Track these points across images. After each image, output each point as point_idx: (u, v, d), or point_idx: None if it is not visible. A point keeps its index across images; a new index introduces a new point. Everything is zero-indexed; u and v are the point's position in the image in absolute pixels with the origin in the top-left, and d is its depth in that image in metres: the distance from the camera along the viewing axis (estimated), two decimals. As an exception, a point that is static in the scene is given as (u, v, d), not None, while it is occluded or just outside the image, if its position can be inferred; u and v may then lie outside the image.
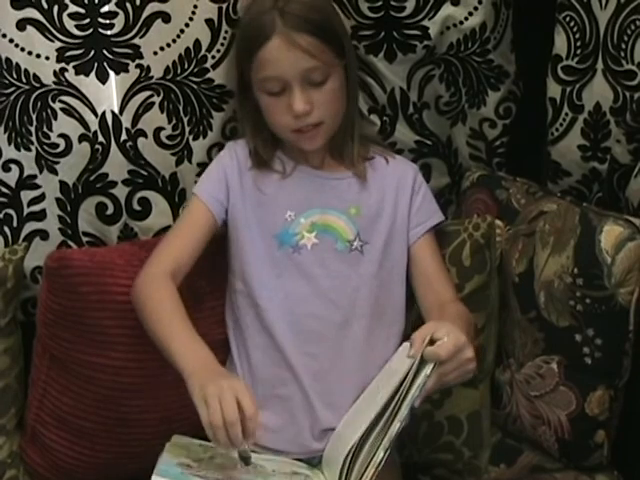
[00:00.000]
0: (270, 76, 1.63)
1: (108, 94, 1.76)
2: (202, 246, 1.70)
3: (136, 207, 1.84)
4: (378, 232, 1.73)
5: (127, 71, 1.75)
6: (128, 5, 1.71)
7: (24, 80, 1.73)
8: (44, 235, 1.83)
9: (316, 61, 1.62)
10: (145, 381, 1.71)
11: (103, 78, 1.75)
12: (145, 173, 1.82)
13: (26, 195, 1.81)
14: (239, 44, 1.71)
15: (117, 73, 1.75)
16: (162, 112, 1.80)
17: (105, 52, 1.73)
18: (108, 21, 1.72)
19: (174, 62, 1.77)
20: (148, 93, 1.78)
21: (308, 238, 1.71)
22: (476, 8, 1.87)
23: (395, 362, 1.60)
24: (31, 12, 1.70)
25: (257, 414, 1.42)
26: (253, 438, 1.43)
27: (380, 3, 1.86)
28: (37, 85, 1.74)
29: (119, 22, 1.72)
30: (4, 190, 1.81)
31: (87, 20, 1.71)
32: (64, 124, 1.76)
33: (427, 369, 1.44)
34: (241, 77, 1.71)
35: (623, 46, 1.76)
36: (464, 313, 1.67)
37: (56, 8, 1.70)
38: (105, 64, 1.74)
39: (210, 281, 1.76)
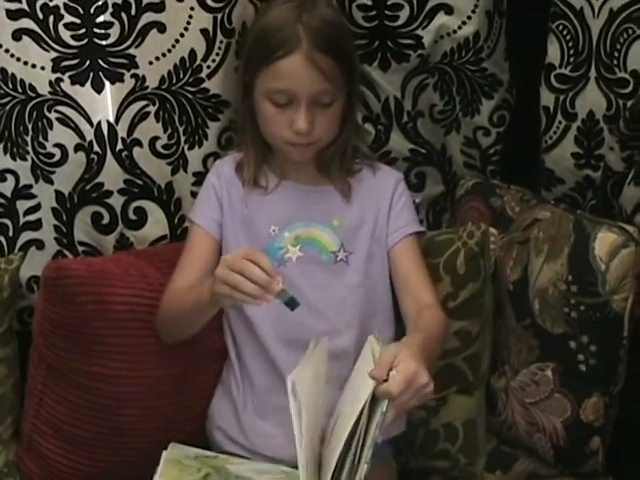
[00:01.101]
0: (282, 89, 1.63)
1: (103, 104, 1.76)
2: (212, 270, 1.71)
3: (132, 216, 1.84)
4: (361, 241, 1.74)
5: (122, 81, 1.75)
6: (123, 15, 1.72)
7: (20, 90, 1.73)
8: (40, 245, 1.83)
9: (330, 84, 1.63)
10: (141, 390, 1.71)
11: (98, 88, 1.75)
12: (141, 182, 1.82)
13: (22, 205, 1.81)
14: (252, 48, 1.69)
15: (112, 83, 1.75)
16: (158, 122, 1.80)
17: (100, 62, 1.73)
18: (103, 31, 1.72)
19: (169, 72, 1.77)
20: (143, 103, 1.78)
21: (293, 251, 1.72)
22: (470, 17, 1.88)
23: (359, 361, 1.60)
24: (27, 22, 1.70)
25: (265, 256, 1.46)
26: (277, 274, 1.44)
27: (374, 12, 1.87)
28: (33, 95, 1.74)
29: (114, 32, 1.72)
30: (0, 200, 1.81)
31: (82, 30, 1.71)
32: (60, 134, 1.77)
33: (382, 406, 1.39)
34: (243, 82, 1.72)
35: (616, 54, 1.77)
36: (438, 322, 1.66)
37: (51, 18, 1.70)
38: (100, 74, 1.74)
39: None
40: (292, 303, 1.46)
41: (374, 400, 1.40)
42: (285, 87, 1.62)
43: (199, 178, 1.83)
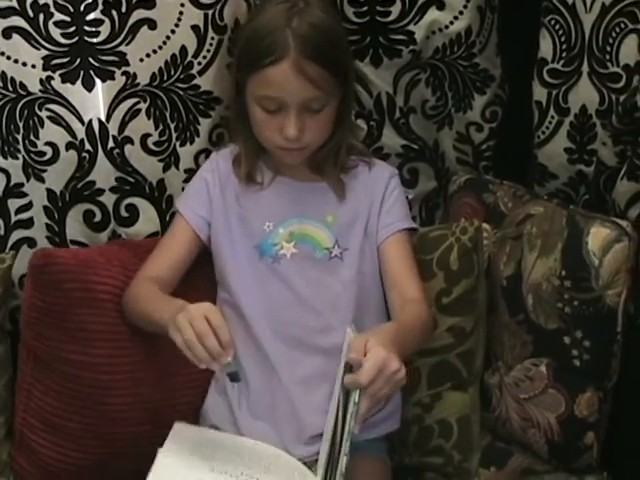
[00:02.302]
0: (270, 96, 1.62)
1: (94, 102, 1.76)
2: (186, 263, 1.75)
3: (124, 214, 1.84)
4: (354, 237, 1.74)
5: (113, 78, 1.75)
6: (114, 12, 1.71)
7: (10, 88, 1.73)
8: (32, 243, 1.83)
9: (319, 91, 1.62)
10: (126, 377, 1.71)
11: (89, 86, 1.75)
12: (132, 180, 1.82)
13: (13, 203, 1.81)
14: (243, 50, 1.68)
15: (103, 81, 1.75)
16: (149, 119, 1.80)
17: (91, 60, 1.73)
18: (94, 29, 1.71)
19: (160, 69, 1.77)
20: (135, 100, 1.78)
21: (287, 248, 1.72)
22: (461, 12, 1.88)
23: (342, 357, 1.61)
24: (17, 20, 1.70)
25: (225, 326, 1.47)
26: (230, 348, 1.46)
27: (366, 8, 1.87)
28: (23, 93, 1.74)
29: (105, 30, 1.72)
30: (-9, 199, 1.81)
31: (73, 28, 1.71)
32: (51, 132, 1.76)
33: (354, 396, 1.40)
34: (236, 81, 1.71)
35: (608, 49, 1.77)
36: (418, 316, 1.66)
37: (42, 16, 1.69)
38: (91, 72, 1.74)
39: (201, 278, 1.77)
40: (234, 377, 1.51)
41: (348, 392, 1.41)
42: (274, 95, 1.62)
43: (191, 175, 1.83)
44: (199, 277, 1.76)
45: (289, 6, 1.64)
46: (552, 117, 1.90)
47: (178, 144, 1.84)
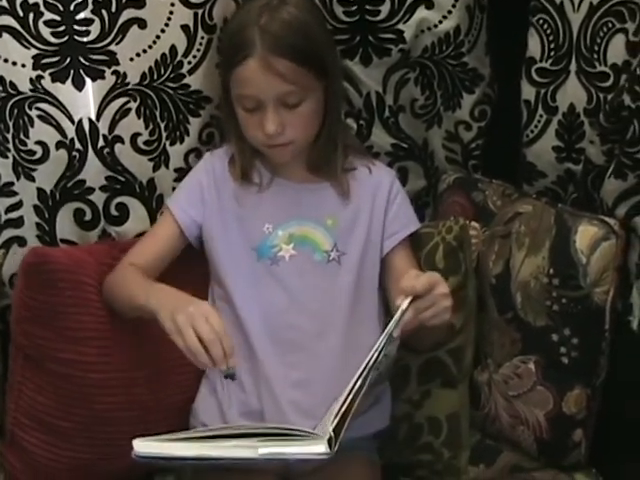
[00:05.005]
0: (245, 95, 1.63)
1: (85, 101, 1.76)
2: (170, 257, 1.74)
3: (114, 213, 1.84)
4: (354, 242, 1.73)
5: (103, 78, 1.75)
6: (104, 12, 1.71)
7: (0, 87, 1.73)
8: (22, 242, 1.83)
9: (292, 86, 1.61)
10: (118, 377, 1.72)
11: (79, 85, 1.75)
12: (122, 179, 1.82)
13: (3, 202, 1.81)
14: (221, 53, 1.70)
15: (93, 80, 1.75)
16: (139, 118, 1.80)
17: (81, 59, 1.73)
18: (84, 28, 1.72)
19: (150, 68, 1.77)
20: (125, 99, 1.78)
21: (286, 250, 1.71)
22: (450, 12, 1.89)
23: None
24: (7, 19, 1.70)
25: (228, 333, 1.46)
26: (232, 355, 1.45)
27: (355, 7, 1.87)
28: (13, 92, 1.74)
29: (95, 29, 1.72)
30: (-19, 198, 1.81)
31: (63, 27, 1.71)
32: (41, 131, 1.76)
33: (403, 303, 1.44)
34: (222, 80, 1.72)
35: (596, 48, 1.77)
36: None
37: (31, 15, 1.69)
38: (81, 71, 1.74)
39: (191, 274, 1.77)
40: (231, 377, 1.51)
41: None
42: (248, 93, 1.63)
43: (181, 174, 1.83)
44: (190, 272, 1.76)
45: (263, 4, 1.64)
46: (540, 116, 1.91)
47: (168, 143, 1.84)
